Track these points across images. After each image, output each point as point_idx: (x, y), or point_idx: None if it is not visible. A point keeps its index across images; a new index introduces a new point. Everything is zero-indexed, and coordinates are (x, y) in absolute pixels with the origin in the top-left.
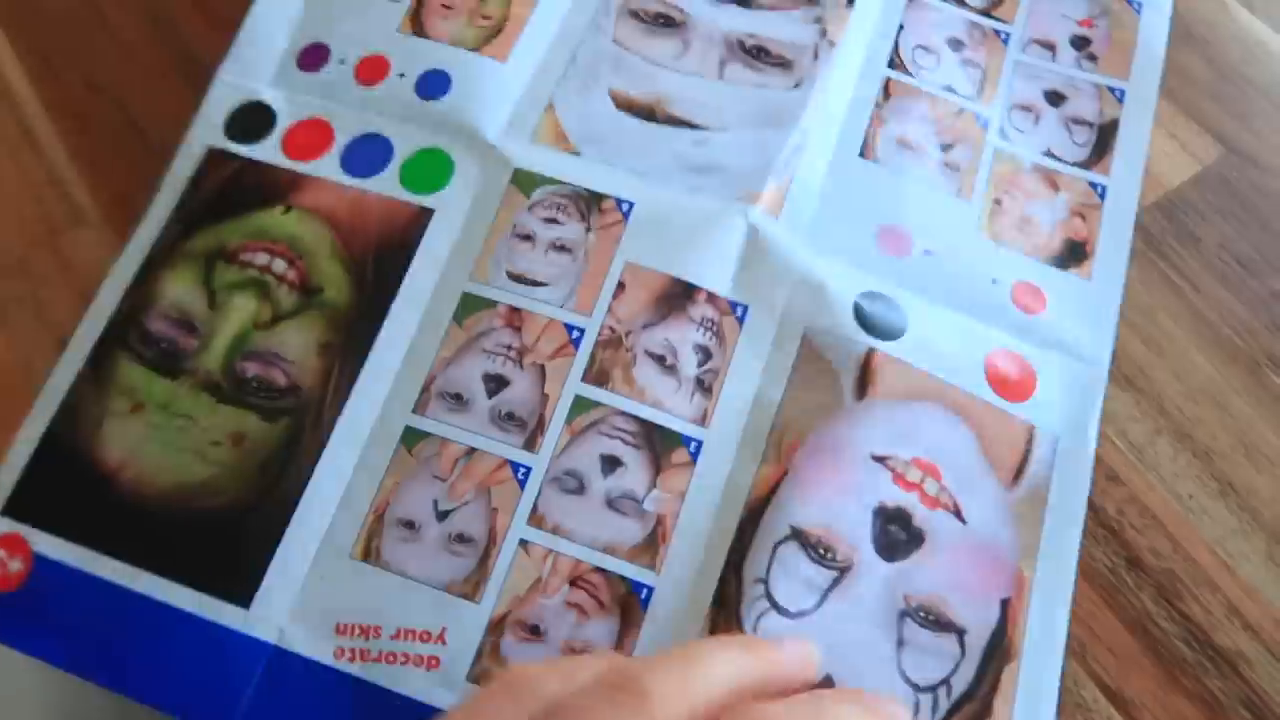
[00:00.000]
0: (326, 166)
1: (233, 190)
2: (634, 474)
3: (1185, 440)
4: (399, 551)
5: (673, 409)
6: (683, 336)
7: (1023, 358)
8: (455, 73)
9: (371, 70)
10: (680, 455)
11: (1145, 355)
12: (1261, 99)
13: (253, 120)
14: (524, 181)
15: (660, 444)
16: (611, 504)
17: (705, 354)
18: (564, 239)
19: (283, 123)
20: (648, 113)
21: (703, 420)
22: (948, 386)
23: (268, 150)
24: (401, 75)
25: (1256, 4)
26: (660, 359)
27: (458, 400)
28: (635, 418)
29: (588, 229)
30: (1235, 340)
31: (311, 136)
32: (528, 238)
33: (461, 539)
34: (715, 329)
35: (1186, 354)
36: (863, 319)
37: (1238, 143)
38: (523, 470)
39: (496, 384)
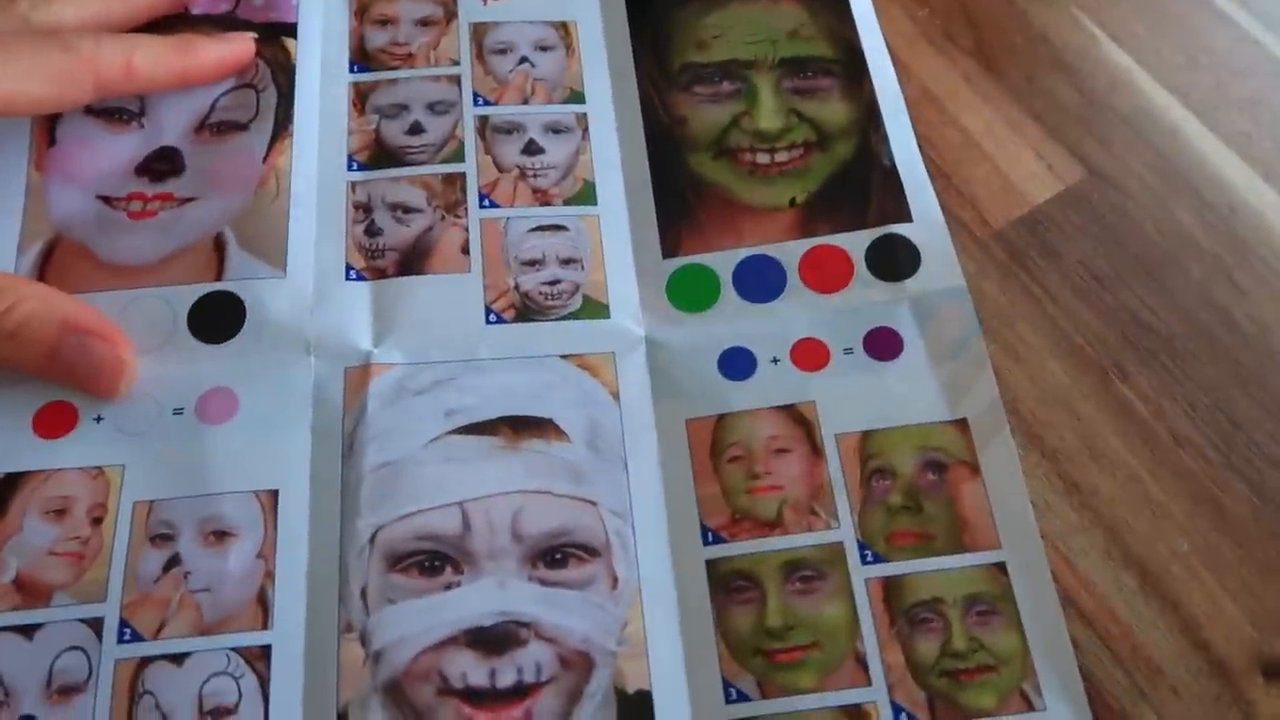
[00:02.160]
0: None
1: None
2: None
3: (1035, 441)
4: None
5: None
6: None
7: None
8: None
9: None
10: None
11: (1003, 361)
12: (1124, 126)
13: None
14: None
15: None
16: None
17: None
18: None
19: None
20: None
21: None
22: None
23: None
24: None
25: (1123, 37)
26: None
27: None
28: None
29: None
30: (1087, 350)
31: None
32: None
33: None
34: None
35: (1042, 361)
36: None
37: (1100, 166)
38: None
39: None
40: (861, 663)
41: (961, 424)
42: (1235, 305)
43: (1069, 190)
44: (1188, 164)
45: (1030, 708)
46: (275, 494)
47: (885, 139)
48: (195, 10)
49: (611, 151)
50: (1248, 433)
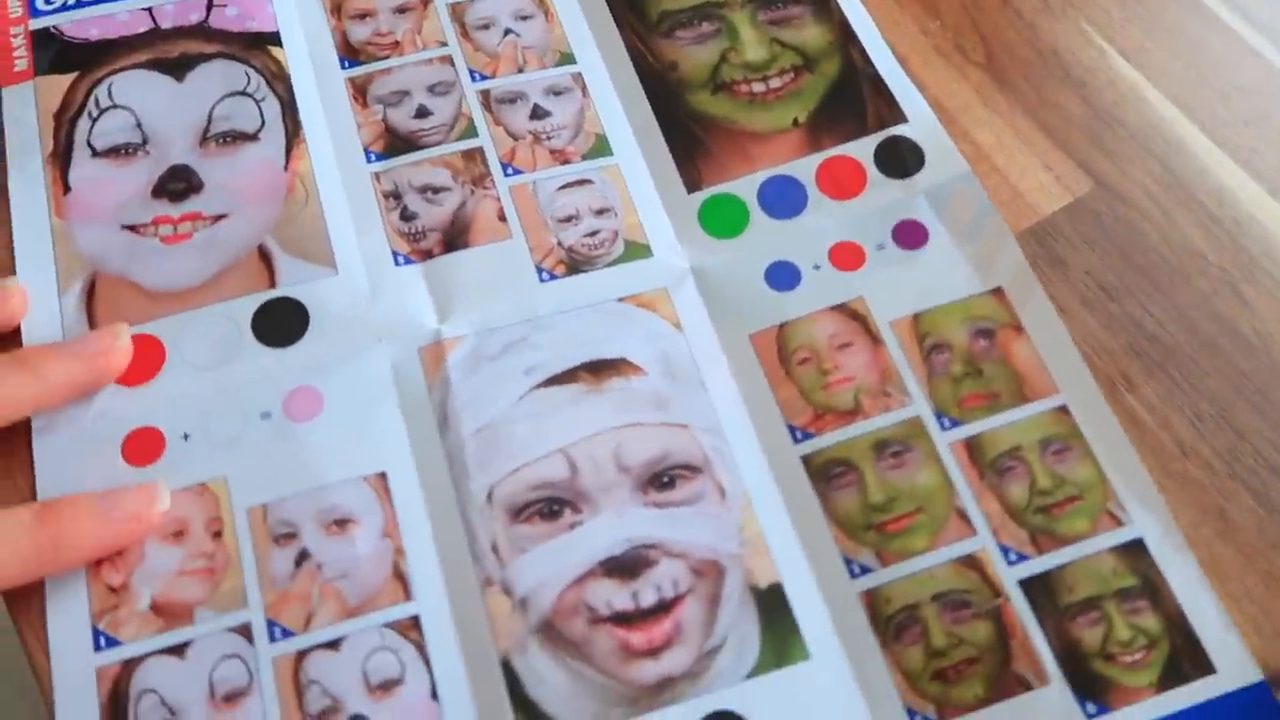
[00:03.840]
0: None
1: None
2: None
3: None
4: None
5: None
6: None
7: None
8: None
9: None
10: None
11: None
12: (1132, 140)
13: None
14: None
15: None
16: None
17: None
18: None
19: None
20: None
21: None
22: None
23: None
24: None
25: (1132, 53)
26: None
27: None
28: None
29: None
30: (1094, 359)
31: None
32: None
33: None
34: None
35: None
36: None
37: (1108, 179)
38: None
39: None
40: (964, 517)
41: (997, 291)
42: (1241, 318)
43: (1077, 202)
44: (1194, 178)
45: (1119, 523)
46: (384, 476)
47: (864, 51)
48: (165, 24)
49: (613, 103)
50: (1253, 443)
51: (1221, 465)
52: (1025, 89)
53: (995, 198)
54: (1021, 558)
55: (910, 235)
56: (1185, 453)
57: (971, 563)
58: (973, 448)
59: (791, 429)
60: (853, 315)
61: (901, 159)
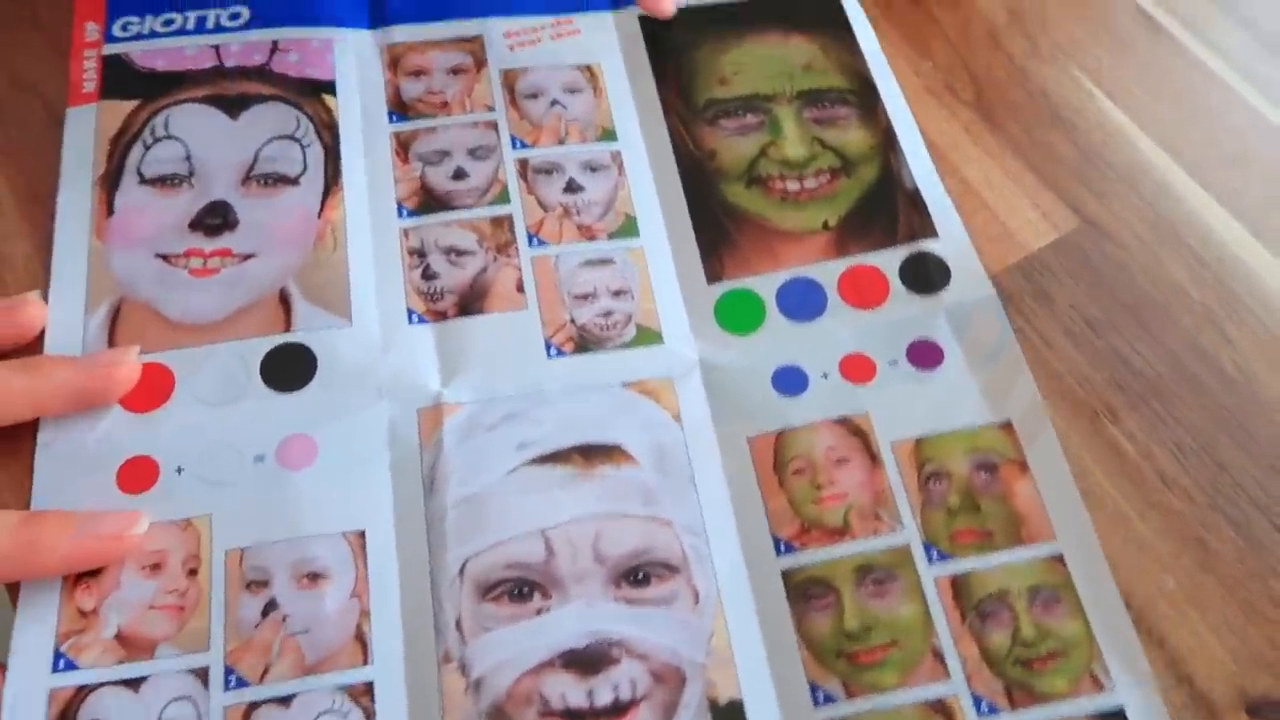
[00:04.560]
0: None
1: None
2: None
3: None
4: None
5: None
6: None
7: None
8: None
9: None
10: None
11: None
12: (1118, 179)
13: None
14: None
15: None
16: None
17: None
18: None
19: None
20: None
21: None
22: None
23: None
24: None
25: (1119, 95)
26: None
27: None
28: None
29: None
30: (1079, 391)
31: None
32: None
33: None
34: None
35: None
36: None
37: (1094, 216)
38: None
39: None
40: (939, 658)
41: (1006, 425)
42: (1223, 353)
43: (1063, 238)
44: (1179, 217)
45: (1100, 688)
46: (363, 534)
47: (904, 162)
48: (229, 63)
49: (648, 185)
50: (1233, 476)
51: (1202, 496)
52: (1014, 129)
53: (984, 233)
54: (993, 710)
55: (925, 355)
56: (1167, 483)
57: (941, 708)
58: (958, 585)
59: (776, 540)
60: (854, 430)
61: (927, 274)
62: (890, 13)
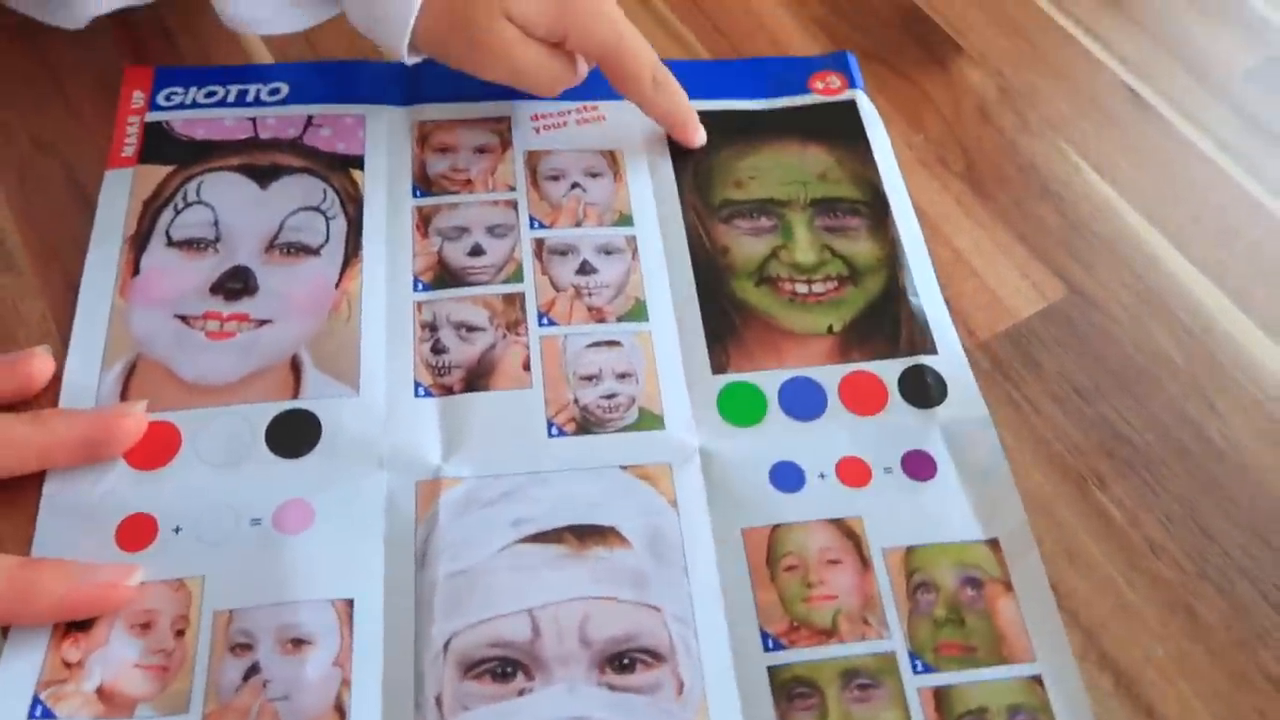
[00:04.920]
0: None
1: None
2: None
3: None
4: None
5: None
6: None
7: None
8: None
9: None
10: None
11: None
12: (1105, 250)
13: None
14: None
15: None
16: None
17: None
18: None
19: None
20: None
21: None
22: None
23: None
24: None
25: (1106, 169)
26: None
27: None
28: None
29: None
30: (1067, 457)
31: None
32: None
33: None
34: None
35: (1023, 466)
36: None
37: (1082, 286)
38: None
39: None
40: None
41: (994, 543)
42: (1209, 423)
43: (1052, 307)
44: (1165, 287)
45: None
46: (350, 603)
47: (910, 277)
48: (264, 135)
49: (660, 272)
50: (1220, 544)
51: (1190, 564)
52: (1004, 200)
53: (973, 301)
54: None
55: (919, 466)
56: (1155, 551)
57: None
58: (940, 698)
59: (765, 636)
60: (848, 533)
61: (925, 388)
62: (885, 87)
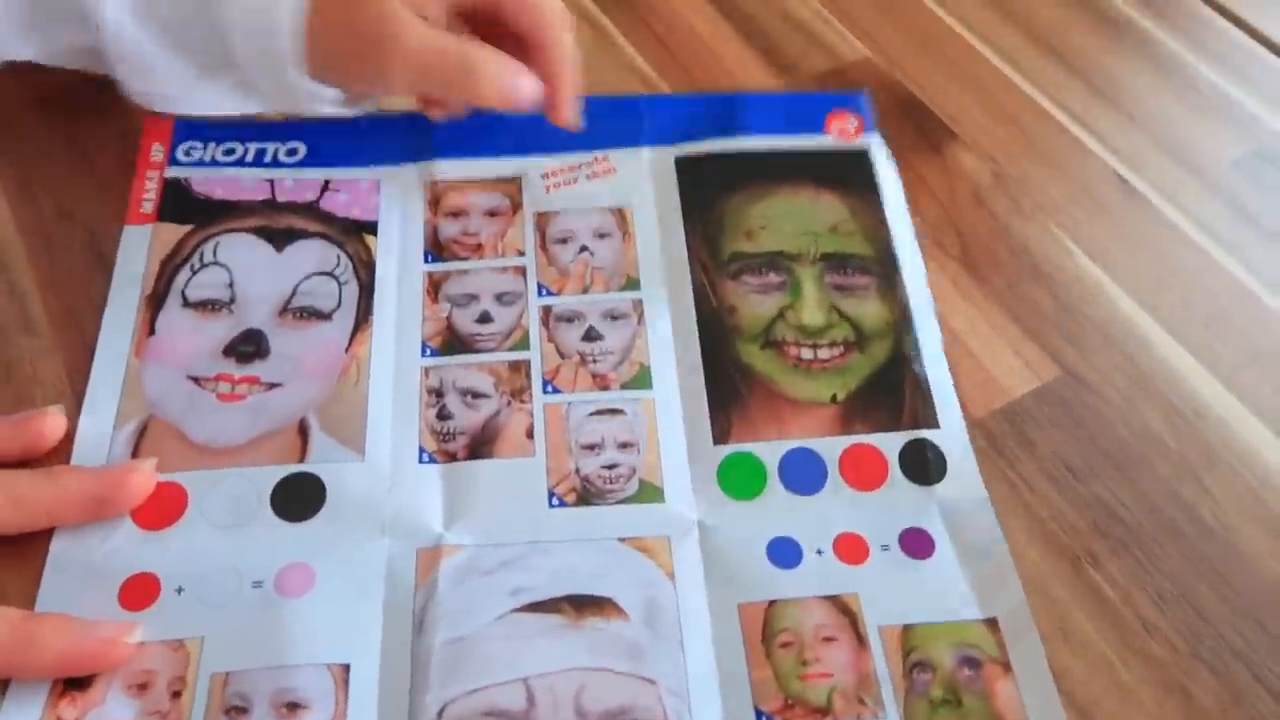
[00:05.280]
0: None
1: None
2: None
3: None
4: None
5: None
6: None
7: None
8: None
9: None
10: None
11: None
12: (1097, 332)
13: None
14: None
15: None
16: None
17: None
18: None
19: None
20: None
21: None
22: None
23: None
24: None
25: (1097, 254)
26: None
27: None
28: None
29: None
30: (1061, 536)
31: None
32: None
33: None
34: None
35: (1018, 544)
36: None
37: (1074, 366)
38: None
39: None
40: None
41: (992, 623)
42: (1202, 504)
43: (1045, 387)
44: (1156, 370)
45: None
46: (347, 668)
47: (917, 346)
48: (281, 198)
49: (666, 336)
50: (1214, 625)
51: (1184, 645)
52: (998, 282)
53: (969, 379)
54: None
55: (917, 544)
56: (1148, 630)
57: None
58: None
59: (759, 713)
60: (844, 610)
61: (925, 464)
62: None
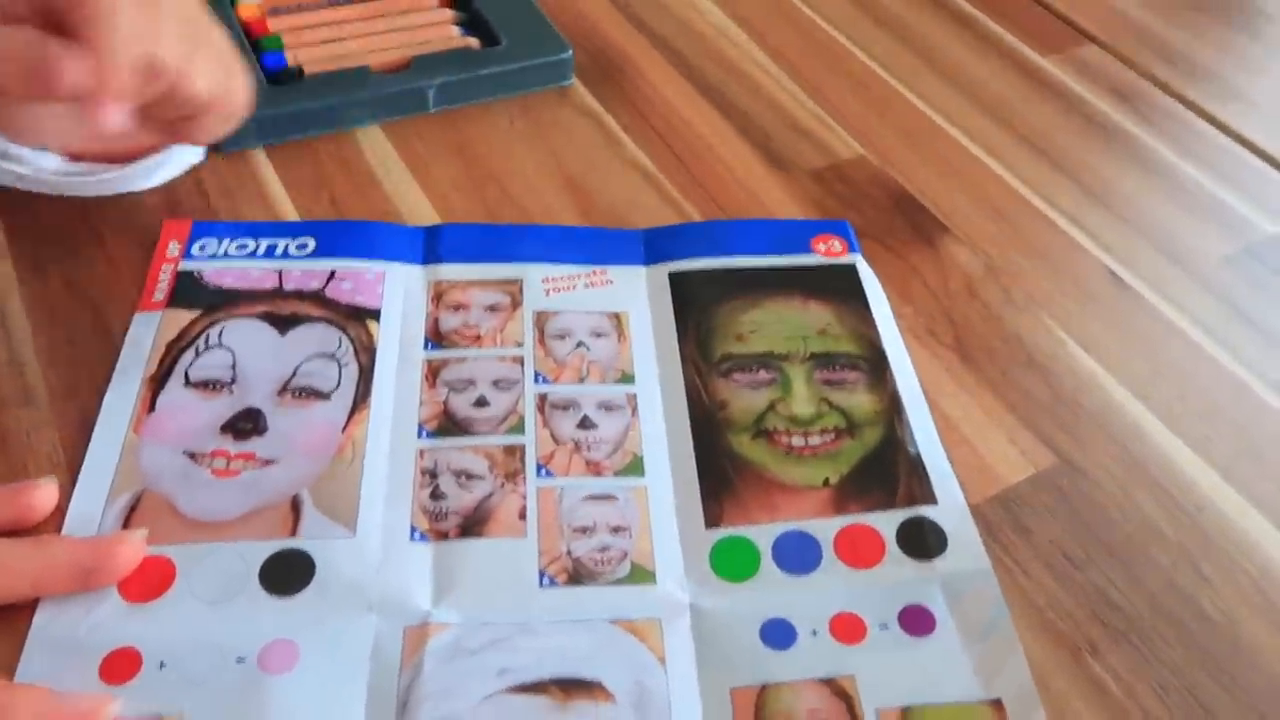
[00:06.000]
0: None
1: None
2: None
3: None
4: None
5: None
6: None
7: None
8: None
9: None
10: None
11: None
12: (1091, 422)
13: None
14: None
15: None
16: None
17: None
18: None
19: None
20: None
21: None
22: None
23: None
24: None
25: (1090, 345)
26: None
27: None
28: None
29: None
30: (1059, 625)
31: None
32: None
33: None
34: None
35: (1016, 632)
36: None
37: (1070, 455)
38: None
39: None
40: None
41: (997, 704)
42: (1201, 594)
43: (1040, 474)
44: (1152, 459)
45: None
46: None
47: (909, 428)
48: (288, 286)
49: (658, 428)
50: (1217, 717)
51: None
52: (992, 371)
53: (963, 465)
54: None
55: (917, 621)
56: None
57: None
58: None
59: None
60: (839, 693)
61: (924, 540)
62: (875, 260)
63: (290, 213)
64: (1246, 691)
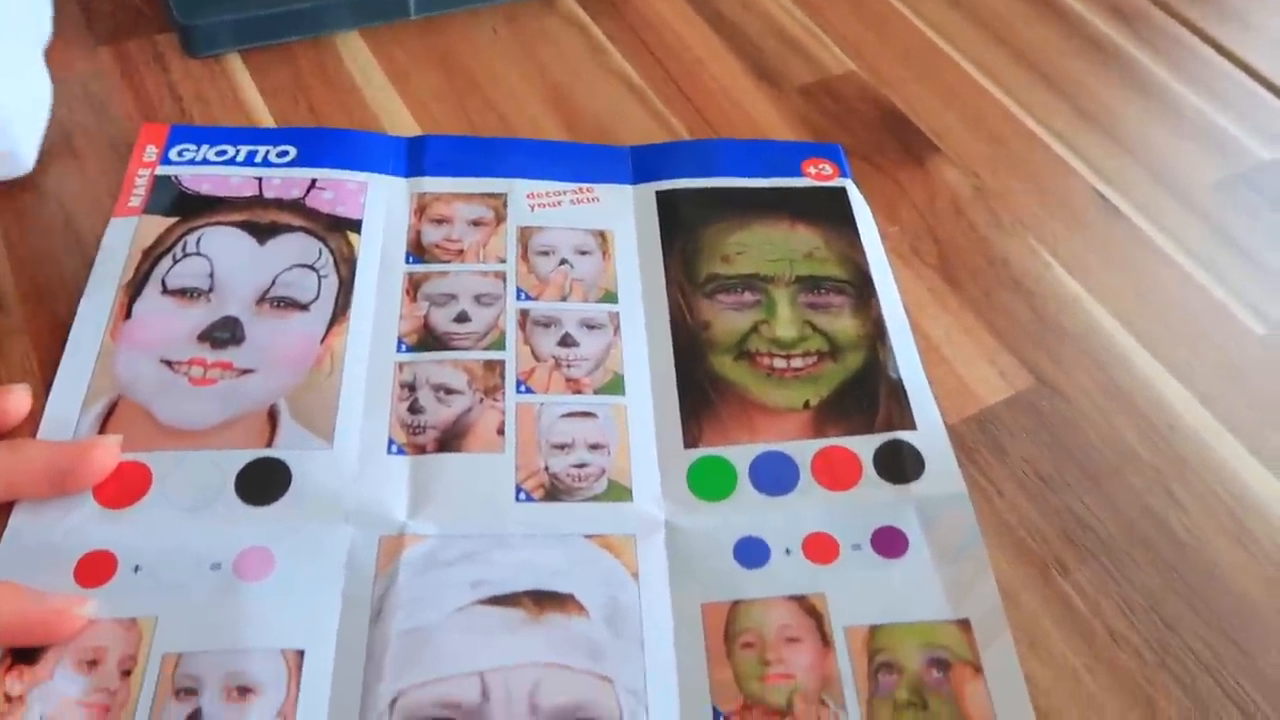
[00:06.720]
0: None
1: None
2: None
3: None
4: None
5: None
6: None
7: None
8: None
9: None
10: None
11: None
12: (1073, 344)
13: None
14: None
15: None
16: None
17: None
18: None
19: None
20: None
21: None
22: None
23: None
24: None
25: (1075, 269)
26: None
27: None
28: None
29: None
30: (1029, 543)
31: None
32: None
33: None
34: None
35: (986, 549)
36: None
37: (1048, 377)
38: None
39: None
40: None
41: (964, 624)
42: (1172, 515)
43: (1018, 395)
44: (1131, 383)
45: None
46: (301, 654)
47: (891, 354)
48: (269, 194)
49: (640, 348)
50: (1182, 637)
51: (1151, 655)
52: (975, 292)
53: (942, 385)
54: None
55: (890, 543)
56: (1115, 640)
57: None
58: None
59: (716, 712)
60: (810, 610)
61: (901, 464)
62: (863, 179)
63: (267, 120)
64: (1212, 610)
